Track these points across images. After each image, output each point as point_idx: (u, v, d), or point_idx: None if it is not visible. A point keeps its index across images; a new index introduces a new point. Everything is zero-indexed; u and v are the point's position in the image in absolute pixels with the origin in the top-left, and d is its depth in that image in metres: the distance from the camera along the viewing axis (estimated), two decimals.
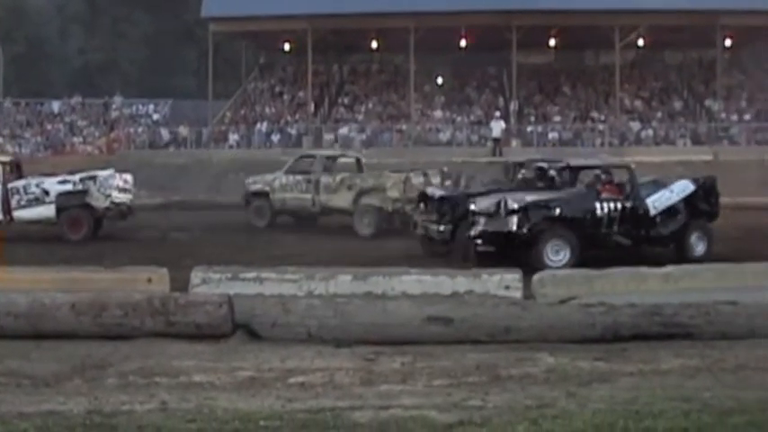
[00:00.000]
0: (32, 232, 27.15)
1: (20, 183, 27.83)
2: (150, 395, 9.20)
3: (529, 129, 53.59)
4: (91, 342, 12.06)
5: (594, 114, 55.82)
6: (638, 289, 14.97)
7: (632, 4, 50.92)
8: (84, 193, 27.85)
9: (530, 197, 21.49)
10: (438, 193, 24.58)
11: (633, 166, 23.26)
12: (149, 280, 15.23)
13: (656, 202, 21.87)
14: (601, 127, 53.81)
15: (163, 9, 77.38)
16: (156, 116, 60.07)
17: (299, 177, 31.38)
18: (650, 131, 53.33)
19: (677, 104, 57.50)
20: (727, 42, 56.22)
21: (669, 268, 15.78)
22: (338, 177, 30.70)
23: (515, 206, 20.68)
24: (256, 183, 32.38)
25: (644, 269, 16.41)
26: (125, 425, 8.01)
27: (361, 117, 56.49)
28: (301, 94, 58.32)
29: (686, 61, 61.31)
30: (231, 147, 53.46)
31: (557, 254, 20.33)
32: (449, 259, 21.41)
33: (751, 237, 23.46)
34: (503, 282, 14.94)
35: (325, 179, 30.75)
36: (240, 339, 12.42)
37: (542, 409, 8.50)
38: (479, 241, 21.21)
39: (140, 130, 57.29)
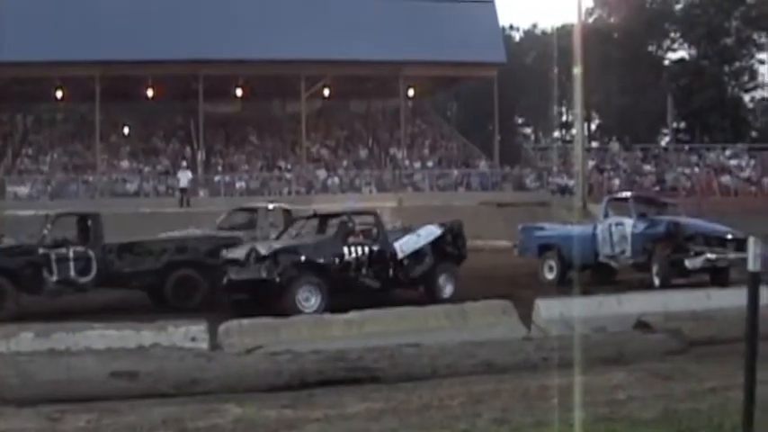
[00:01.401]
0: None
1: None
2: None
3: (216, 178, 53.58)
4: None
5: (282, 163, 56.43)
6: (324, 335, 15.15)
7: (318, 54, 51.78)
8: None
9: (277, 244, 21.64)
10: None
11: (378, 211, 23.99)
12: None
13: (404, 245, 22.43)
14: (288, 175, 54.40)
15: None
16: None
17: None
18: (336, 179, 54.25)
19: (362, 153, 58.83)
20: (410, 92, 57.95)
21: (351, 314, 15.99)
22: None
23: (264, 253, 20.74)
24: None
25: (327, 316, 16.70)
26: None
27: (46, 168, 55.12)
28: None
29: (371, 110, 62.96)
30: None
31: (308, 300, 20.45)
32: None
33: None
34: (189, 333, 14.78)
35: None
36: None
37: None
38: (232, 290, 21.31)
39: None
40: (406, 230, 23.42)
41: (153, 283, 22.91)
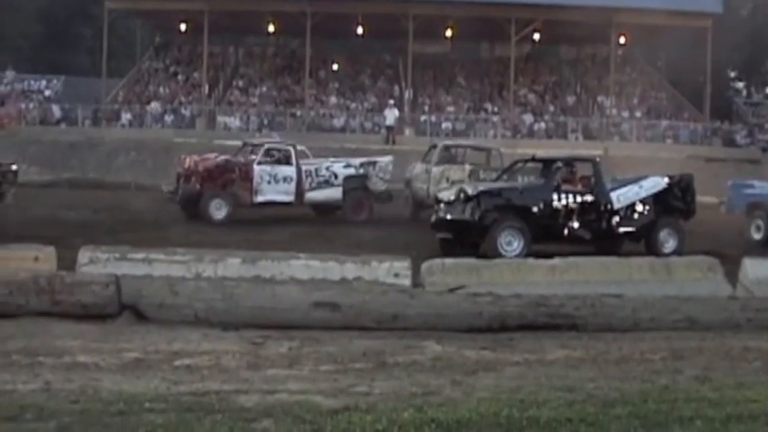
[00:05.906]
0: None
1: (311, 165, 28.93)
2: (34, 375, 9.07)
3: (422, 118, 53.69)
4: None
5: (488, 106, 56.15)
6: (525, 280, 15.08)
7: None
8: (365, 177, 29.03)
9: (483, 186, 21.52)
10: None
11: (599, 159, 23.30)
12: (36, 258, 14.95)
13: (622, 196, 21.70)
14: (494, 119, 54.17)
15: None
16: (47, 92, 58.88)
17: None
18: (543, 125, 53.81)
19: (570, 99, 58.08)
20: (621, 40, 56.91)
21: (555, 260, 15.85)
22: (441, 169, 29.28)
23: (470, 194, 20.64)
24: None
25: (530, 260, 16.55)
26: (7, 405, 7.86)
27: (255, 100, 56.13)
28: (196, 75, 57.78)
29: (580, 57, 62.04)
30: (123, 126, 52.72)
31: (510, 243, 20.23)
32: None
33: None
34: (392, 269, 14.89)
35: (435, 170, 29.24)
36: (126, 320, 12.33)
37: (428, 397, 8.55)
38: (438, 228, 21.41)
39: (32, 106, 56.10)
40: (630, 181, 22.59)
41: None
